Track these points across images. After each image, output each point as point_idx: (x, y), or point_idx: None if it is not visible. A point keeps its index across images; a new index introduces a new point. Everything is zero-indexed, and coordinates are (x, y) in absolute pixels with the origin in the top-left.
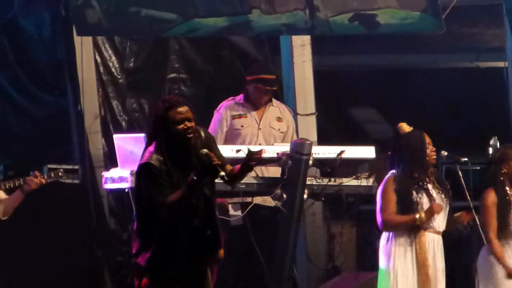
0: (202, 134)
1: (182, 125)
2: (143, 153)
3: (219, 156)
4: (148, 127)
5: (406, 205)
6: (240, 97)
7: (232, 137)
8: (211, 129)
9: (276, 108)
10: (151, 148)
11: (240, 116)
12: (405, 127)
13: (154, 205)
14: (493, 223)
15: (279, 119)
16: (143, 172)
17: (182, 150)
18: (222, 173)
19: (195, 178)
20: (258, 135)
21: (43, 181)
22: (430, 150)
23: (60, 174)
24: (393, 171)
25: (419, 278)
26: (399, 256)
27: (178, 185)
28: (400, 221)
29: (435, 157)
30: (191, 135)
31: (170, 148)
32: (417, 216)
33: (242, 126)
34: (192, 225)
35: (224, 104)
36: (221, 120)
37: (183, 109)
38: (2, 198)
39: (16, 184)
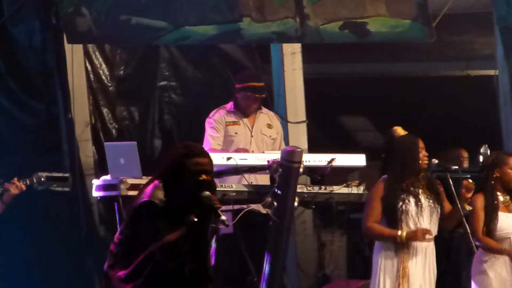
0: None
1: (197, 177)
2: (146, 187)
3: None
4: (162, 165)
5: (391, 212)
6: (230, 105)
7: (226, 144)
8: (207, 135)
9: (265, 115)
10: (156, 185)
11: (233, 123)
12: (400, 131)
13: (149, 243)
14: (480, 225)
15: (269, 126)
16: (143, 210)
17: (187, 197)
18: (224, 218)
19: (195, 220)
20: (251, 142)
21: (23, 187)
22: (422, 154)
23: (41, 179)
24: (385, 176)
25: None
26: (387, 269)
27: (177, 226)
28: (381, 233)
29: (427, 161)
30: (202, 190)
31: (176, 193)
32: (399, 233)
33: (236, 133)
34: (184, 265)
35: (217, 111)
36: (218, 123)
37: (203, 160)
38: None
39: None
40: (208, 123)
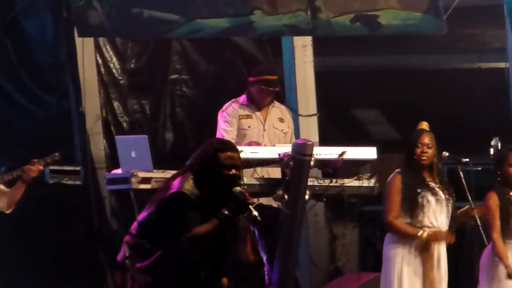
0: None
1: (229, 171)
2: (173, 179)
3: None
4: (193, 159)
5: (410, 205)
6: (243, 98)
7: (238, 137)
8: (220, 129)
9: (277, 109)
10: (185, 177)
11: (247, 116)
12: (423, 126)
13: (178, 235)
14: (497, 223)
15: (281, 120)
16: (174, 200)
17: (218, 191)
18: (255, 213)
19: (226, 213)
20: (264, 135)
21: (41, 167)
22: (420, 150)
23: (56, 159)
24: (398, 169)
25: (425, 280)
26: (404, 257)
27: (206, 219)
28: (403, 230)
29: (425, 158)
30: (232, 183)
31: (207, 186)
32: (420, 233)
33: (249, 126)
34: (202, 263)
35: (230, 104)
36: (230, 118)
37: (234, 155)
38: (4, 191)
39: (15, 176)
40: (221, 116)
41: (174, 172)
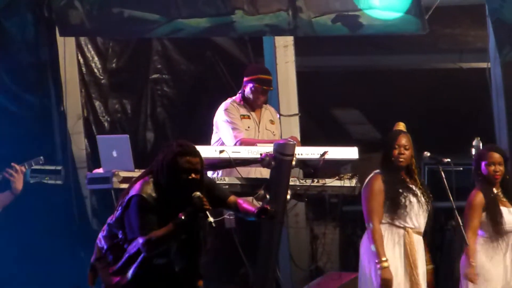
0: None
1: (187, 175)
2: (134, 183)
3: (221, 195)
4: (154, 162)
5: (394, 205)
6: (238, 98)
7: None
8: (230, 126)
9: (268, 111)
10: (146, 180)
11: (246, 116)
12: (400, 127)
13: (136, 237)
14: (474, 222)
15: (272, 122)
16: (133, 203)
17: (177, 195)
18: (211, 219)
19: (183, 218)
20: (258, 137)
21: (23, 169)
22: (398, 152)
23: (40, 162)
24: (378, 170)
25: (410, 279)
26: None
27: (165, 223)
28: (377, 246)
29: (402, 160)
30: (191, 187)
31: (166, 190)
32: (383, 259)
33: (248, 127)
34: (170, 262)
35: (230, 103)
36: (235, 116)
37: (194, 159)
38: None
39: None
40: (226, 116)
41: None
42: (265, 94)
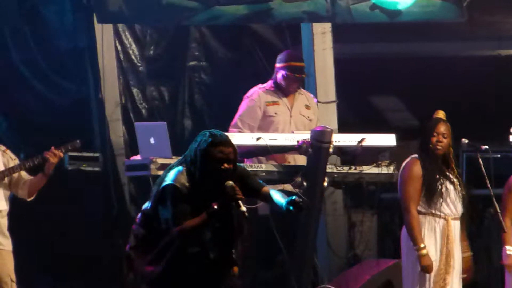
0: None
1: (220, 165)
2: (168, 171)
3: (254, 185)
4: (188, 151)
5: (431, 192)
6: (269, 85)
7: (264, 124)
8: (238, 115)
9: (303, 96)
10: (180, 170)
11: (273, 103)
12: (440, 115)
13: (170, 227)
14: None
15: (307, 107)
16: (167, 192)
17: (210, 185)
18: (243, 209)
19: (216, 207)
20: (291, 122)
21: (61, 154)
22: (436, 139)
23: (77, 146)
24: (415, 155)
25: (442, 268)
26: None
27: (198, 212)
28: (413, 232)
29: (440, 147)
30: (224, 177)
31: (199, 179)
32: (422, 245)
33: (276, 113)
34: (204, 250)
35: (256, 90)
36: (253, 107)
37: (226, 149)
38: (26, 179)
39: (36, 162)
40: (245, 102)
41: None
42: (297, 81)
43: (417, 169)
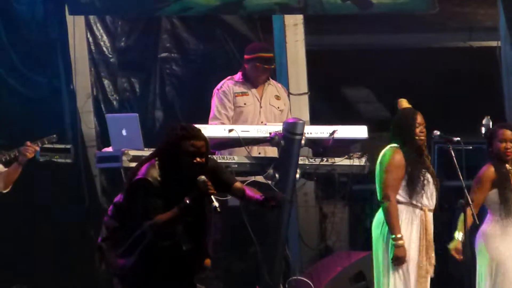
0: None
1: (192, 159)
2: (140, 165)
3: (225, 180)
4: (159, 145)
5: (414, 183)
6: (238, 76)
7: (234, 115)
8: (214, 109)
9: (273, 87)
10: (152, 163)
11: (242, 93)
12: (404, 103)
13: (142, 221)
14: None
15: (277, 98)
16: (138, 187)
17: (182, 178)
18: (216, 204)
19: (188, 202)
20: (260, 113)
21: (37, 148)
22: (419, 130)
23: (53, 140)
24: (395, 145)
25: (427, 258)
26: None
27: (170, 206)
28: (391, 218)
29: (423, 138)
30: (196, 171)
31: (171, 173)
32: (399, 236)
33: (245, 103)
34: (176, 243)
35: (226, 82)
36: (225, 97)
37: (198, 143)
38: (1, 171)
39: (12, 156)
40: (216, 95)
41: None
42: (266, 72)
43: (400, 158)
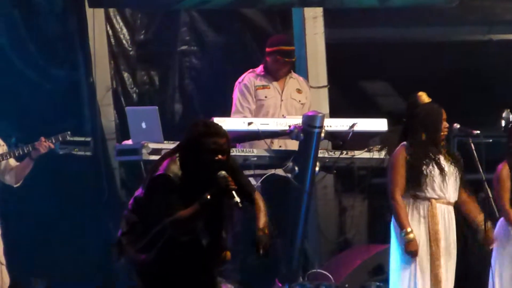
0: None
1: (213, 156)
2: (161, 160)
3: (244, 184)
4: (181, 141)
5: (416, 176)
6: (260, 69)
7: (255, 108)
8: (236, 102)
9: (295, 80)
10: (173, 159)
11: (263, 87)
12: (424, 98)
13: (162, 217)
14: (506, 194)
15: (299, 91)
16: (158, 183)
17: (203, 175)
18: (237, 199)
19: (208, 198)
20: (281, 106)
21: (51, 145)
22: (443, 126)
23: (67, 138)
24: (404, 142)
25: (431, 250)
26: (413, 229)
27: (190, 202)
28: (399, 216)
29: (446, 133)
30: (217, 168)
31: (192, 170)
32: (408, 229)
33: (266, 97)
34: (195, 238)
35: (247, 75)
36: (247, 90)
37: (220, 140)
38: (13, 166)
39: (26, 151)
40: (238, 88)
41: None
42: (287, 65)
43: (403, 156)
